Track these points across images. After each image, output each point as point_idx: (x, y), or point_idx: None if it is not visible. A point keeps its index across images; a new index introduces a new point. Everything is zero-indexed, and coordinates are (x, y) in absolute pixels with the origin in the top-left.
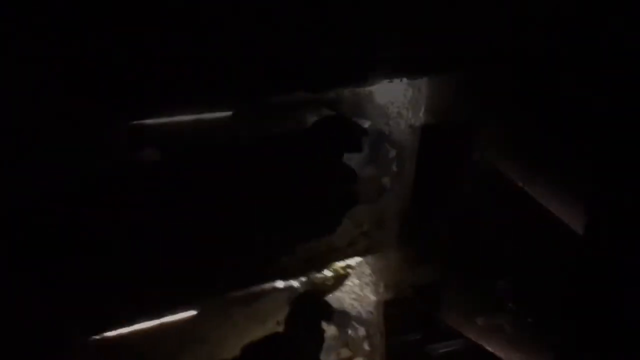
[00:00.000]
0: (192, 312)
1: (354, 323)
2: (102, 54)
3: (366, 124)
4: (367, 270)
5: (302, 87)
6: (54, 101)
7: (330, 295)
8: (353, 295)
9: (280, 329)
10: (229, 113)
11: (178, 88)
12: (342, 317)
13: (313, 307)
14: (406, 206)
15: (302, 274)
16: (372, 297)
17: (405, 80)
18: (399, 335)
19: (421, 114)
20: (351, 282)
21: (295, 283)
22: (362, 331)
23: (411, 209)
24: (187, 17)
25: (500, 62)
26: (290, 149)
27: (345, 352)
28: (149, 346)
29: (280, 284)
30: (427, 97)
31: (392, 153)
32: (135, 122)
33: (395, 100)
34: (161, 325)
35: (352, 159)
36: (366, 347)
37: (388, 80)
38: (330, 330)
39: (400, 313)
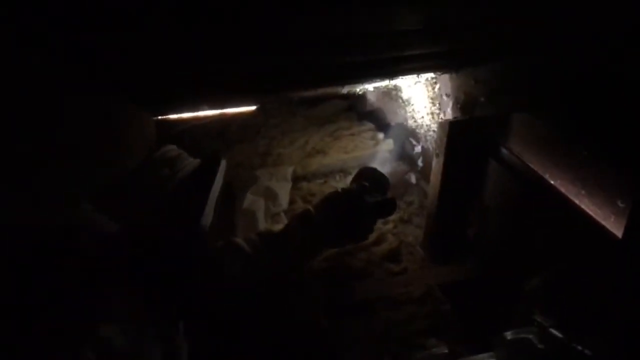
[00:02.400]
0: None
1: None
2: (124, 46)
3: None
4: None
5: (328, 82)
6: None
7: None
8: None
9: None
10: (253, 107)
11: (202, 82)
12: None
13: None
14: (432, 202)
15: None
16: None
17: (432, 74)
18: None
19: (449, 109)
20: None
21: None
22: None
23: (437, 205)
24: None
25: (531, 56)
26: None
27: None
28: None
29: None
30: (455, 91)
31: (418, 148)
32: (159, 116)
33: (422, 94)
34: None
35: (378, 154)
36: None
37: (416, 74)
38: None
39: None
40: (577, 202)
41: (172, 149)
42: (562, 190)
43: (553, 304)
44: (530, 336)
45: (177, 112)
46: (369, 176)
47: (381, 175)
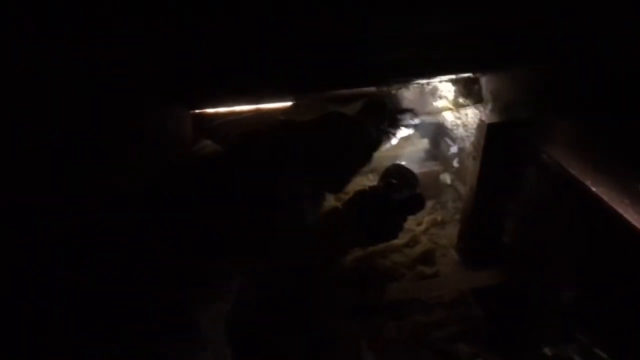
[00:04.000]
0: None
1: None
2: (161, 43)
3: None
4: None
5: (365, 81)
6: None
7: None
8: None
9: None
10: (288, 103)
11: (238, 76)
12: None
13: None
14: (468, 205)
15: None
16: None
17: (471, 74)
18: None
19: (488, 111)
20: None
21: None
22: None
23: (473, 208)
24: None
25: (571, 59)
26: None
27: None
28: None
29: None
30: (494, 92)
31: (454, 148)
32: (195, 111)
33: (460, 95)
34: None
35: (412, 154)
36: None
37: (453, 75)
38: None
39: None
40: (620, 211)
41: (208, 145)
42: (604, 198)
43: (592, 319)
44: (572, 354)
45: (213, 107)
46: (396, 173)
47: (409, 172)
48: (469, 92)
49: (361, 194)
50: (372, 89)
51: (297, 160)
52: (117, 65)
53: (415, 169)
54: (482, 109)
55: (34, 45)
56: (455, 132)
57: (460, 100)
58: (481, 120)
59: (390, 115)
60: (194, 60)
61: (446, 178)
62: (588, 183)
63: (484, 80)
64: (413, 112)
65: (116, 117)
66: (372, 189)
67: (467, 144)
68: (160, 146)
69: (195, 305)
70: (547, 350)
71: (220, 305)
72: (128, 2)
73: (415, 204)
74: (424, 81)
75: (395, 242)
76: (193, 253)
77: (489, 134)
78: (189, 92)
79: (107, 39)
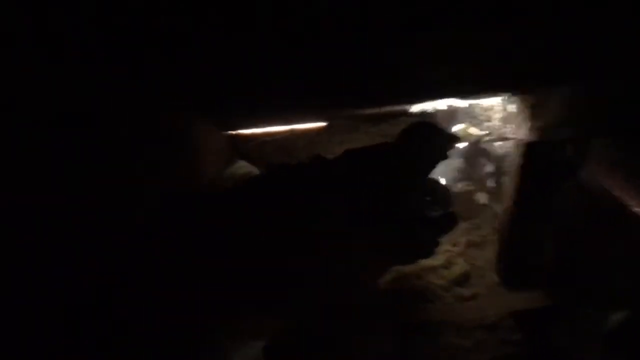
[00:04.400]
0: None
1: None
2: (197, 63)
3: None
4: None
5: (397, 99)
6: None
7: None
8: None
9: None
10: (322, 124)
11: (274, 97)
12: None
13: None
14: (505, 225)
15: None
16: None
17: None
18: None
19: (526, 130)
20: None
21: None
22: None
23: (510, 228)
24: (282, 23)
25: (610, 77)
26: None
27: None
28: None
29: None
30: (533, 112)
31: (490, 168)
32: (231, 132)
33: (495, 114)
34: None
35: (447, 174)
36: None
37: (491, 95)
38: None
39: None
40: None
41: (243, 166)
42: None
43: (635, 349)
44: None
45: (249, 128)
46: (430, 189)
47: (442, 188)
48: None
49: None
50: (407, 107)
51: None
52: (160, 90)
53: (450, 188)
54: (518, 128)
55: (84, 70)
56: (490, 151)
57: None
58: (519, 140)
59: (440, 141)
60: (230, 84)
61: (481, 198)
62: (631, 205)
63: (521, 99)
64: (457, 138)
65: (156, 138)
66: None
67: (504, 163)
68: (197, 166)
69: (229, 342)
70: None
71: (255, 344)
72: (168, 32)
73: (449, 221)
74: (460, 101)
75: (431, 262)
76: (229, 288)
77: (527, 153)
78: (225, 114)
79: (149, 66)
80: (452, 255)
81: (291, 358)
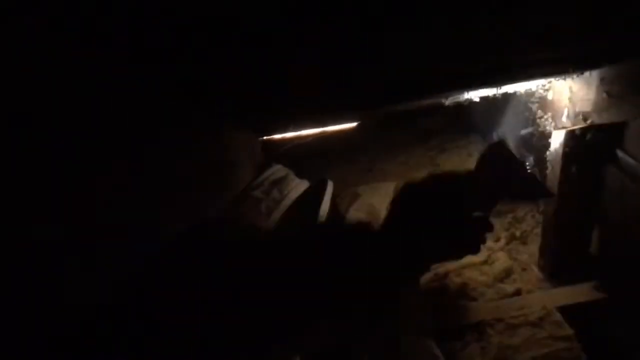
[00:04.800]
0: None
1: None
2: (232, 74)
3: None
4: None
5: (433, 92)
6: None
7: None
8: None
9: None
10: (353, 124)
11: (305, 101)
12: None
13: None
14: (548, 217)
15: None
16: None
17: (545, 80)
18: None
19: (564, 117)
20: None
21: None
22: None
23: (554, 220)
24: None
25: None
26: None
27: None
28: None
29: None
30: (571, 98)
31: (530, 159)
32: (264, 137)
33: (534, 102)
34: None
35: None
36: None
37: (527, 81)
38: None
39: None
40: None
41: (279, 169)
42: None
43: None
44: None
45: (281, 132)
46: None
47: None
48: None
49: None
50: (440, 101)
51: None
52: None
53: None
54: (558, 115)
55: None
56: (530, 141)
57: None
58: (558, 127)
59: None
60: (262, 90)
61: None
62: None
63: (559, 85)
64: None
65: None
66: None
67: (544, 154)
68: (235, 174)
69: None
70: None
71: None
72: (201, 41)
73: (483, 225)
74: (493, 91)
75: (472, 259)
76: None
77: (567, 141)
78: (258, 120)
79: (180, 73)
80: (493, 251)
81: None
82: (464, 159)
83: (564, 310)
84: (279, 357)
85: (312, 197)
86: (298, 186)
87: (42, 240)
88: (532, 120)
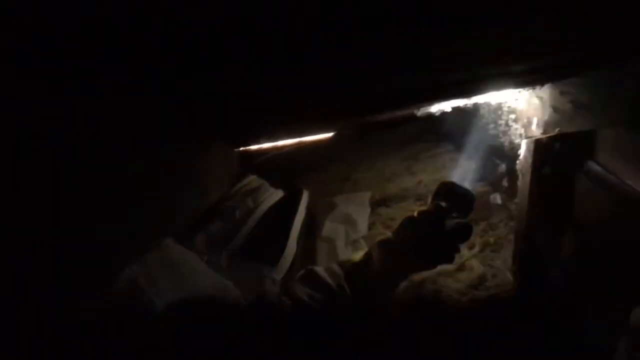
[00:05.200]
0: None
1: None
2: (207, 84)
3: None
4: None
5: (405, 103)
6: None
7: None
8: None
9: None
10: (330, 134)
11: (281, 112)
12: None
13: None
14: (520, 224)
15: None
16: None
17: (515, 90)
18: None
19: (534, 126)
20: None
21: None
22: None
23: (526, 227)
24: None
25: (619, 66)
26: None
27: None
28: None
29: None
30: (540, 107)
31: (502, 167)
32: (240, 148)
33: (504, 112)
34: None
35: (460, 175)
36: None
37: (495, 91)
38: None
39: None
40: None
41: (254, 180)
42: None
43: None
44: None
45: (258, 143)
46: (449, 193)
47: (462, 190)
48: None
49: (410, 220)
50: (412, 112)
51: None
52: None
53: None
54: (528, 124)
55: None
56: (502, 150)
57: None
58: (528, 136)
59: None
60: (239, 100)
61: (496, 198)
62: None
63: (528, 94)
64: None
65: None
66: (420, 215)
67: (516, 162)
68: (207, 183)
69: None
70: None
71: None
72: (175, 51)
73: (463, 233)
74: (464, 101)
75: (447, 267)
76: None
77: (536, 149)
78: (234, 131)
79: (153, 82)
80: (467, 258)
81: None
82: (439, 168)
83: (536, 315)
84: None
85: (287, 206)
86: (272, 195)
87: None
88: (503, 130)
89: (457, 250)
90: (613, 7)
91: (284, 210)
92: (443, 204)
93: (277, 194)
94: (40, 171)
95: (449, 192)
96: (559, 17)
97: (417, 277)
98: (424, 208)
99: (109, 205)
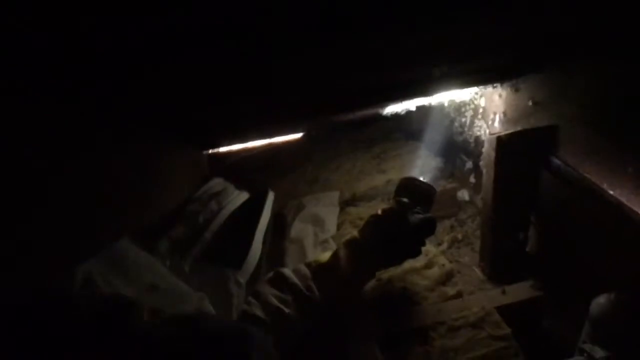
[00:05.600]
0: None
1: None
2: (173, 86)
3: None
4: (449, 292)
5: (367, 104)
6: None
7: None
8: None
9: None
10: (299, 135)
11: (250, 114)
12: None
13: None
14: (485, 219)
15: None
16: None
17: (477, 87)
18: None
19: (496, 123)
20: None
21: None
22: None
23: (491, 222)
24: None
25: (577, 62)
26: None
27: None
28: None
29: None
30: (501, 104)
31: (469, 164)
32: (209, 150)
33: (468, 110)
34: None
35: (429, 173)
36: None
37: (458, 89)
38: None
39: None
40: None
41: (218, 183)
42: (623, 200)
43: (621, 331)
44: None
45: (226, 145)
46: (410, 188)
47: (421, 184)
48: None
49: (375, 218)
50: (378, 111)
51: None
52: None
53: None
54: (491, 121)
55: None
56: (468, 147)
57: None
58: (490, 133)
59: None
60: (205, 103)
61: (464, 195)
62: (604, 186)
63: (489, 92)
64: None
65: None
66: (384, 212)
67: (482, 159)
68: (176, 185)
69: None
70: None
71: None
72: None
73: (428, 227)
74: (426, 100)
75: (414, 264)
76: None
77: (499, 145)
78: (202, 135)
79: (118, 85)
80: (435, 255)
81: None
82: (406, 164)
83: (503, 309)
84: None
85: (252, 207)
86: (238, 197)
87: None
88: (468, 127)
89: (423, 244)
90: (564, 8)
91: (249, 212)
92: (405, 199)
93: (242, 196)
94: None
95: (410, 187)
96: (509, 15)
97: (384, 275)
98: (386, 207)
99: (77, 198)
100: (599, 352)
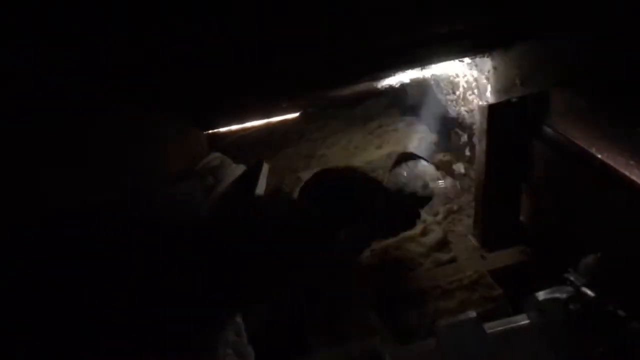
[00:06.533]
0: (296, 114)
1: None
2: (175, 69)
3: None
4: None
5: (363, 76)
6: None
7: None
8: None
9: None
10: (296, 114)
11: (249, 94)
12: None
13: None
14: (479, 188)
15: None
16: None
17: (468, 60)
18: None
19: (488, 93)
20: None
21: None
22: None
23: (484, 191)
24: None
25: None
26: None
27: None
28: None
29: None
30: (492, 74)
31: (464, 137)
32: (209, 130)
33: (460, 83)
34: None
35: (425, 147)
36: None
37: (450, 60)
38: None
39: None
40: (627, 173)
41: (215, 157)
42: (610, 162)
43: (607, 282)
44: (562, 296)
45: (225, 125)
46: (404, 164)
47: (417, 162)
48: None
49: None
50: (373, 85)
51: None
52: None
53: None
54: (483, 93)
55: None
56: (463, 120)
57: None
58: (481, 103)
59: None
60: (205, 84)
61: (460, 167)
62: (593, 150)
63: (480, 63)
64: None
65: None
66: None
67: (476, 131)
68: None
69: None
70: (538, 295)
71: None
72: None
73: (423, 198)
74: (419, 70)
75: (409, 233)
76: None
77: (490, 115)
78: (202, 115)
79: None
80: (429, 224)
81: (275, 335)
82: (402, 139)
83: (495, 273)
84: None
85: (248, 178)
86: (234, 171)
87: None
88: (463, 101)
89: (418, 216)
90: None
91: (246, 183)
92: (404, 173)
93: (238, 169)
94: None
95: (404, 163)
96: None
97: (381, 244)
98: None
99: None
100: (581, 280)
